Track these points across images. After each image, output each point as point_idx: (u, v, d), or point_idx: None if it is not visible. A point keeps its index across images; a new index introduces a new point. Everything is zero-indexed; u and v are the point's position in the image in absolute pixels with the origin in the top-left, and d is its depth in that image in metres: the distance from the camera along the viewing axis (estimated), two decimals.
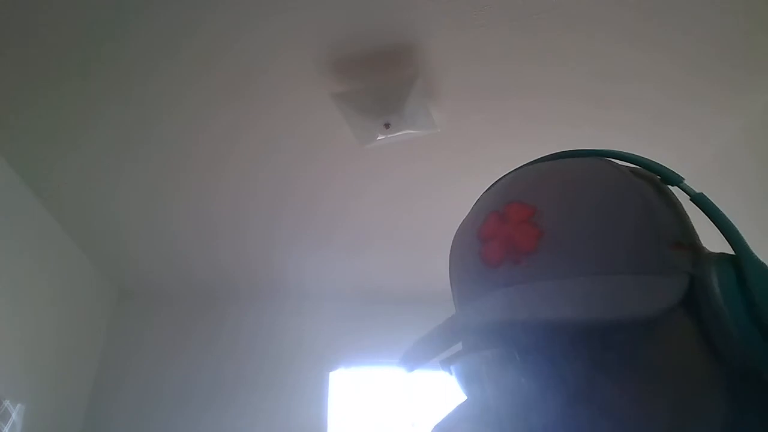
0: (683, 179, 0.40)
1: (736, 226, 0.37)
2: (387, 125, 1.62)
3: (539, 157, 0.47)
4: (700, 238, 0.41)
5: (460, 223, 0.45)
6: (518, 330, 0.35)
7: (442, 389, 2.69)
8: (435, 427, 0.48)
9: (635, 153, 0.43)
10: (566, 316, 0.32)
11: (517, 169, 0.45)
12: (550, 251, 0.35)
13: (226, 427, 2.57)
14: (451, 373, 0.41)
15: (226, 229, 2.36)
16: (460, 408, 0.47)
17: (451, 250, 0.44)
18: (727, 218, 0.37)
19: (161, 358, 2.71)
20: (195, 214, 2.26)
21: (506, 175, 0.45)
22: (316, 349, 2.78)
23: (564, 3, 1.36)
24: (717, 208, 0.37)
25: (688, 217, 0.40)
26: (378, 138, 1.69)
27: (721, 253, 0.37)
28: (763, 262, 0.35)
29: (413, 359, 0.38)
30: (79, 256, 2.48)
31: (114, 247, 2.51)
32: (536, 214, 0.37)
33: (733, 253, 0.36)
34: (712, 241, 0.40)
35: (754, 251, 0.35)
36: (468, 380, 0.40)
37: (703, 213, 0.38)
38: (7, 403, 1.89)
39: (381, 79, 1.58)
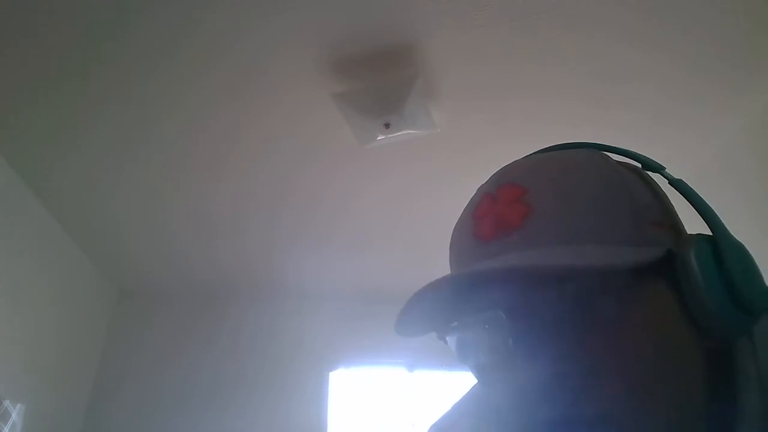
0: (664, 167, 0.43)
1: (736, 225, 0.39)
2: (387, 125, 1.62)
3: (531, 152, 0.50)
4: (685, 227, 0.43)
5: None
6: (505, 288, 0.37)
7: (442, 389, 2.69)
8: (432, 426, 0.49)
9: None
10: (550, 263, 0.35)
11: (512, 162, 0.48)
12: (538, 226, 0.38)
13: (226, 427, 2.57)
14: (446, 343, 0.42)
15: (226, 229, 2.36)
16: (457, 406, 0.47)
17: (451, 238, 0.46)
18: (704, 201, 0.40)
19: (161, 358, 2.71)
20: (195, 214, 2.26)
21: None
22: (316, 349, 2.77)
23: (564, 3, 1.36)
24: (694, 191, 0.41)
25: (670, 202, 0.43)
26: (378, 138, 1.69)
27: (699, 233, 0.39)
28: (738, 241, 0.37)
29: (407, 324, 0.41)
30: (79, 256, 2.48)
31: (114, 247, 2.51)
32: (526, 194, 0.40)
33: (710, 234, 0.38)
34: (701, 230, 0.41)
35: (730, 232, 0.38)
36: (462, 348, 0.41)
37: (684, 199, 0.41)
38: (7, 403, 1.89)
39: (381, 79, 1.58)
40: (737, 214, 0.43)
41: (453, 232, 0.46)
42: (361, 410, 2.71)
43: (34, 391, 2.10)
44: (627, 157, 0.45)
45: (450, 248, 0.46)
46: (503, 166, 0.47)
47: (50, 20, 1.39)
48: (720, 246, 0.36)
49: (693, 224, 0.42)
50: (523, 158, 0.47)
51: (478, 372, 0.43)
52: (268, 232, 2.38)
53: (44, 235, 2.21)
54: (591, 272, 0.35)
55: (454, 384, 2.66)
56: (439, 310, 0.41)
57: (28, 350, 2.09)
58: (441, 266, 0.47)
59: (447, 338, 0.42)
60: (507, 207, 0.40)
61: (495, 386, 0.40)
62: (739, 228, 0.39)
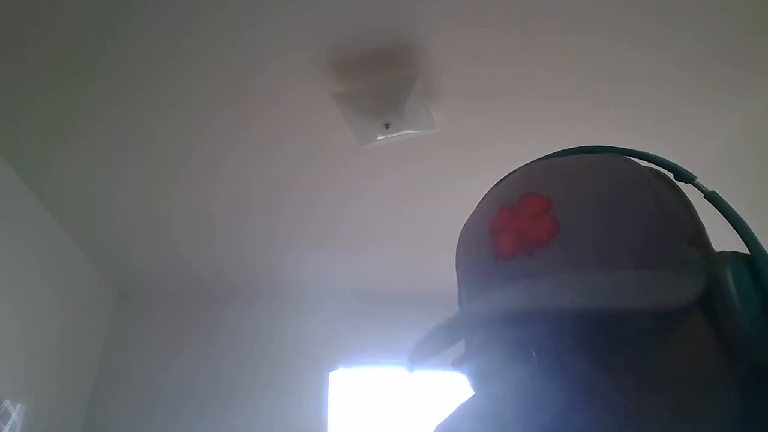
0: (696, 177, 0.40)
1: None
2: (387, 125, 1.62)
3: (549, 153, 0.46)
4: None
5: (459, 222, 0.45)
6: (530, 323, 0.35)
7: (443, 389, 2.69)
8: (437, 427, 0.48)
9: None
10: (580, 305, 0.31)
11: (529, 163, 0.44)
12: (565, 245, 0.34)
13: (225, 428, 2.57)
14: (462, 372, 0.40)
15: (226, 229, 2.36)
16: (462, 407, 0.46)
17: (458, 245, 0.43)
18: (739, 216, 0.37)
19: (161, 359, 2.71)
20: (195, 214, 2.26)
21: (518, 169, 0.44)
22: (316, 349, 2.77)
23: (564, 3, 1.36)
24: (729, 205, 0.37)
25: (699, 216, 0.40)
26: (378, 138, 1.69)
27: (734, 251, 0.36)
28: None
29: (421, 357, 0.37)
30: (79, 257, 2.48)
31: (114, 248, 2.51)
32: (551, 208, 0.36)
33: (744, 251, 0.36)
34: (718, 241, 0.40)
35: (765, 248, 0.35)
36: (479, 379, 0.39)
37: (714, 212, 0.38)
38: (7, 403, 1.89)
39: (381, 79, 1.58)
40: None
41: (462, 239, 0.42)
42: (361, 410, 2.71)
43: (34, 391, 2.10)
44: (656, 164, 0.41)
45: (459, 257, 0.42)
46: (520, 167, 0.44)
47: (50, 20, 1.39)
48: (758, 266, 0.33)
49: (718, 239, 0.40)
50: (543, 162, 0.43)
51: (478, 384, 0.41)
52: (267, 232, 2.38)
53: (44, 236, 2.21)
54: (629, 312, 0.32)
55: (454, 384, 2.66)
56: (453, 341, 0.38)
57: (28, 350, 2.09)
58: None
59: (464, 367, 0.40)
60: (530, 222, 0.36)
61: (498, 394, 0.38)
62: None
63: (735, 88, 1.61)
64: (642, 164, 0.40)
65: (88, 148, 1.86)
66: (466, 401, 0.46)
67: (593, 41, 1.47)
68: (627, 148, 0.42)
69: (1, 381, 1.91)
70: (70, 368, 2.44)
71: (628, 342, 0.33)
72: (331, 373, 2.76)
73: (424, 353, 0.37)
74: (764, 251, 0.35)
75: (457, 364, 0.40)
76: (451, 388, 2.65)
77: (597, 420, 0.32)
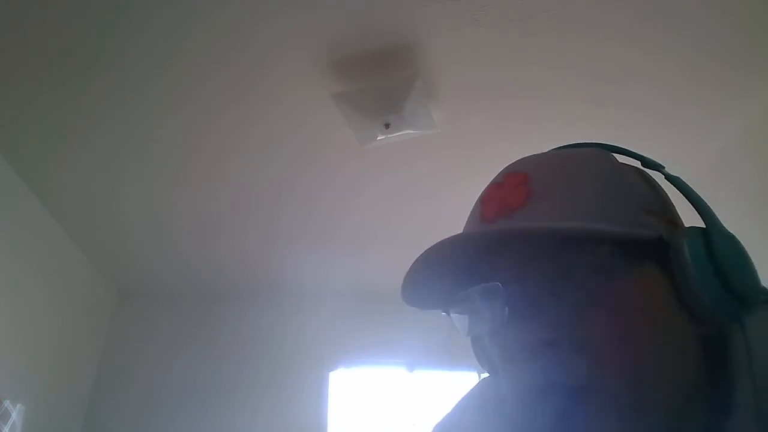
0: (663, 166, 0.46)
1: (736, 225, 0.41)
2: (387, 125, 1.62)
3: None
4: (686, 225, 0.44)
5: (460, 222, 0.49)
6: (502, 260, 0.40)
7: (442, 389, 2.69)
8: (437, 425, 0.49)
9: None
10: (535, 226, 0.38)
11: None
12: (537, 206, 0.41)
13: (225, 428, 2.57)
14: (448, 314, 0.45)
15: (226, 229, 2.36)
16: (464, 399, 0.48)
17: None
18: (699, 196, 0.42)
19: (161, 359, 2.71)
20: (195, 214, 2.26)
21: None
22: (316, 349, 2.77)
23: (564, 3, 1.36)
24: (690, 187, 0.43)
25: (669, 199, 0.45)
26: (378, 138, 1.69)
27: (692, 226, 0.40)
28: (729, 233, 0.39)
29: (412, 294, 0.44)
30: (79, 257, 2.48)
31: (114, 248, 2.51)
32: (528, 180, 0.43)
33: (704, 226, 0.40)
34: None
35: (724, 225, 0.40)
36: (465, 322, 0.43)
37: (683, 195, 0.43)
38: (7, 403, 1.89)
39: (381, 79, 1.58)
40: (737, 214, 0.44)
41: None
42: (361, 410, 2.71)
43: (34, 391, 2.10)
44: (628, 156, 0.47)
45: None
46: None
47: (50, 20, 1.39)
48: (712, 236, 0.38)
49: (695, 222, 0.43)
50: (531, 155, 0.50)
51: (489, 364, 0.45)
52: (267, 231, 2.38)
53: (44, 236, 2.21)
54: (583, 242, 0.37)
55: (454, 384, 2.66)
56: (442, 281, 0.43)
57: (28, 350, 2.09)
58: None
59: (451, 313, 0.44)
60: (510, 191, 0.43)
61: (501, 376, 0.41)
62: (739, 227, 0.39)
63: (735, 88, 1.61)
64: (621, 158, 0.46)
65: (88, 148, 1.86)
66: (463, 398, 0.48)
67: (593, 41, 1.47)
68: (603, 143, 0.49)
69: (1, 381, 1.91)
70: (70, 368, 2.44)
71: (588, 281, 0.37)
72: (331, 373, 2.76)
73: (415, 292, 0.43)
74: (718, 224, 0.39)
75: (445, 309, 0.45)
76: (451, 388, 2.66)
77: (567, 357, 0.36)
